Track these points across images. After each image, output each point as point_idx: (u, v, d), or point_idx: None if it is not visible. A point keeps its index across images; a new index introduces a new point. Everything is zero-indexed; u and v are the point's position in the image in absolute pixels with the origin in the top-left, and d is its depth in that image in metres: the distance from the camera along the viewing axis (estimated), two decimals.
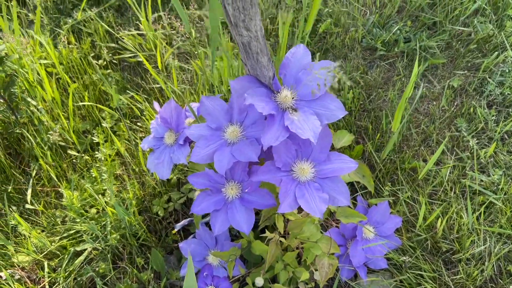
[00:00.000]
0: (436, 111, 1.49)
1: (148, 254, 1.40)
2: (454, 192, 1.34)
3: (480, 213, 1.29)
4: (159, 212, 1.44)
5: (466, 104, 1.48)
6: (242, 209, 0.93)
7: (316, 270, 1.14)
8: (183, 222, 1.46)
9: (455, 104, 1.51)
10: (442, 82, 1.55)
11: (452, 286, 1.21)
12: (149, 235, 1.40)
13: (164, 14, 1.90)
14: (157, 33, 1.83)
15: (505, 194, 1.30)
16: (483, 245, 1.24)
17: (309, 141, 0.91)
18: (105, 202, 1.41)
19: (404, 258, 1.19)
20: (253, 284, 1.22)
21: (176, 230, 1.45)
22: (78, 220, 1.40)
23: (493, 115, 1.45)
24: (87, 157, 1.58)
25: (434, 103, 1.52)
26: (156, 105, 1.20)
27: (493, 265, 1.23)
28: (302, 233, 1.02)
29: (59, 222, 1.45)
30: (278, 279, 1.21)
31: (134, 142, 1.53)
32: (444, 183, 1.35)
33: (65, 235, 1.41)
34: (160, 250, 1.40)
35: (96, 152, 1.54)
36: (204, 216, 1.43)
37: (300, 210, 1.18)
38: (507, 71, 1.49)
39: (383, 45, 1.64)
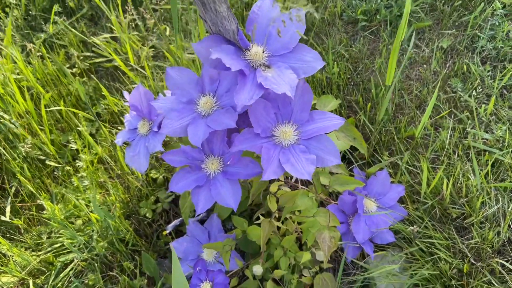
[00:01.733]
0: (428, 75, 1.41)
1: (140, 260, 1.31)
2: (457, 155, 1.25)
3: (488, 172, 1.19)
4: (147, 214, 1.35)
5: (459, 63, 1.40)
6: (226, 183, 0.84)
7: (319, 249, 1.05)
8: (175, 222, 1.37)
9: (447, 65, 1.43)
10: (430, 45, 1.48)
11: (468, 252, 1.11)
12: (138, 239, 1.31)
13: (138, 16, 1.84)
14: (130, 34, 1.76)
15: (511, 148, 1.21)
16: (496, 205, 1.14)
17: (289, 101, 0.84)
18: (90, 210, 1.32)
19: (412, 227, 1.09)
20: (253, 275, 1.12)
21: (167, 231, 1.36)
22: (62, 231, 1.31)
23: (488, 71, 1.36)
24: (68, 168, 1.49)
25: (425, 66, 1.43)
26: (126, 94, 1.12)
27: (510, 225, 1.13)
28: (296, 207, 0.93)
29: (43, 238, 1.36)
30: (279, 267, 1.11)
31: (115, 146, 1.44)
32: (446, 146, 1.26)
33: (49, 249, 1.32)
34: (152, 254, 1.30)
35: (77, 161, 1.46)
36: (195, 215, 1.35)
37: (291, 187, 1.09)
38: (497, 24, 1.42)
39: (364, 15, 1.56)
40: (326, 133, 0.81)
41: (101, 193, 1.41)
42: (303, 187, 1.15)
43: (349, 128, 0.92)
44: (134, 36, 1.81)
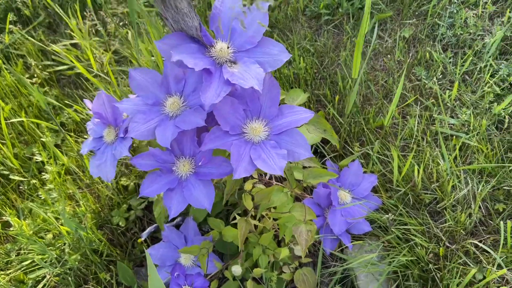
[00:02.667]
0: (392, 65, 1.43)
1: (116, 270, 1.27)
2: (426, 141, 1.27)
3: (456, 156, 1.22)
4: (120, 223, 1.32)
5: (421, 51, 1.42)
6: (199, 184, 0.83)
7: (295, 245, 1.04)
8: (149, 229, 1.34)
9: (410, 54, 1.45)
10: (393, 35, 1.50)
11: (442, 236, 1.13)
12: (113, 249, 1.27)
13: (98, 21, 1.80)
14: (91, 40, 1.72)
15: (477, 133, 1.24)
16: (466, 188, 1.16)
17: (257, 96, 0.83)
18: (60, 223, 1.27)
19: (387, 216, 1.10)
20: (233, 276, 1.11)
21: (142, 239, 1.32)
22: (32, 247, 1.26)
23: (450, 58, 1.39)
24: (34, 181, 1.44)
25: (389, 56, 1.45)
26: (87, 102, 1.09)
27: (480, 206, 1.16)
28: (272, 203, 0.92)
29: (12, 255, 1.30)
30: (259, 265, 1.10)
31: (82, 156, 1.40)
32: (414, 134, 1.28)
33: (19, 267, 1.26)
34: (128, 263, 1.27)
35: (44, 174, 1.41)
36: (172, 220, 1.32)
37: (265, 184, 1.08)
38: (455, 11, 1.45)
39: (327, 9, 1.57)
40: (296, 127, 0.81)
41: (70, 204, 1.36)
42: (278, 183, 1.14)
43: (319, 121, 0.91)
44: (96, 41, 1.76)
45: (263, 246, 1.11)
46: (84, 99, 1.07)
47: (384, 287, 1.13)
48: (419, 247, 1.10)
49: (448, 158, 1.16)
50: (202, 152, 0.83)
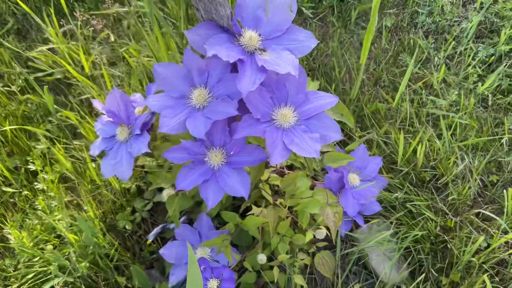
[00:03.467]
0: (379, 53, 1.49)
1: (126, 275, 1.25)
2: (420, 123, 1.34)
3: (451, 134, 1.29)
4: (126, 226, 1.29)
5: (405, 39, 1.50)
6: (233, 173, 0.83)
7: (318, 228, 1.07)
8: (156, 230, 1.32)
9: (394, 42, 1.52)
10: (376, 25, 1.56)
11: (446, 209, 1.19)
12: (123, 253, 1.24)
13: (79, 23, 1.74)
14: (70, 44, 1.66)
15: (465, 111, 1.32)
16: (462, 163, 1.24)
17: (283, 84, 0.85)
18: (70, 228, 1.23)
19: (396, 194, 1.15)
20: (252, 267, 1.12)
21: (150, 240, 1.30)
22: (35, 259, 1.21)
23: (431, 43, 1.47)
24: (26, 192, 1.38)
25: (375, 45, 1.51)
26: (96, 102, 1.06)
27: (477, 179, 1.23)
28: (298, 189, 0.94)
29: (10, 271, 1.24)
30: (276, 255, 1.12)
31: (79, 160, 1.36)
32: (408, 116, 1.34)
33: (23, 281, 1.21)
34: (140, 266, 1.25)
35: (36, 183, 1.35)
36: (180, 216, 1.31)
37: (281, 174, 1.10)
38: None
39: (311, 3, 1.61)
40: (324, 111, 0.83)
41: (70, 215, 1.32)
42: (290, 171, 1.16)
43: (337, 105, 0.94)
44: (74, 45, 1.71)
45: (280, 233, 1.12)
46: (92, 100, 1.05)
47: (397, 264, 1.18)
48: (428, 222, 1.16)
49: (447, 135, 1.22)
50: (233, 141, 0.83)
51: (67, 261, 1.13)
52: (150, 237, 1.31)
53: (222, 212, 1.15)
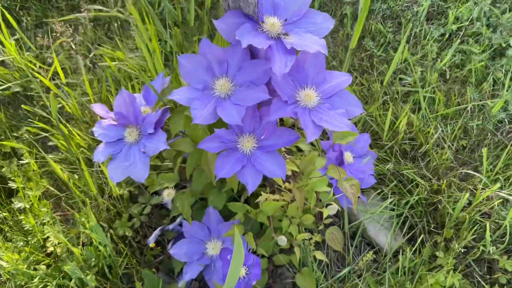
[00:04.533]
0: (344, 39, 1.58)
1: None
2: (391, 100, 1.45)
3: (425, 107, 1.41)
4: (126, 233, 1.25)
5: (365, 24, 1.60)
6: (266, 157, 0.86)
7: (329, 204, 1.12)
8: (155, 233, 1.30)
9: (354, 28, 1.62)
10: (337, 13, 1.65)
11: (430, 175, 1.31)
12: (131, 259, 1.21)
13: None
14: (26, 55, 1.56)
15: (431, 86, 1.45)
16: (436, 133, 1.36)
17: (302, 66, 0.89)
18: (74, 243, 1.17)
19: (388, 166, 1.24)
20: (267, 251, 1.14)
21: (150, 244, 1.28)
22: (34, 280, 1.13)
23: (389, 27, 1.60)
24: (4, 214, 1.28)
25: (341, 33, 1.61)
26: (97, 107, 1.03)
27: (450, 146, 1.36)
28: (316, 168, 0.98)
29: None
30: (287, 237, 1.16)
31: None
32: (380, 95, 1.44)
33: None
34: (149, 270, 1.22)
35: (16, 202, 1.26)
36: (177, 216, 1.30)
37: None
38: None
39: None
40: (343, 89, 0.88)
41: (62, 226, 1.25)
42: (289, 156, 1.21)
43: None
44: (28, 55, 1.61)
45: (289, 216, 1.16)
46: (92, 105, 1.01)
47: (391, 230, 1.27)
48: (418, 188, 1.26)
49: (424, 108, 1.34)
50: (263, 126, 0.86)
51: (81, 273, 1.08)
52: (151, 240, 1.28)
53: (229, 204, 1.16)
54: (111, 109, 1.01)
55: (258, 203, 1.16)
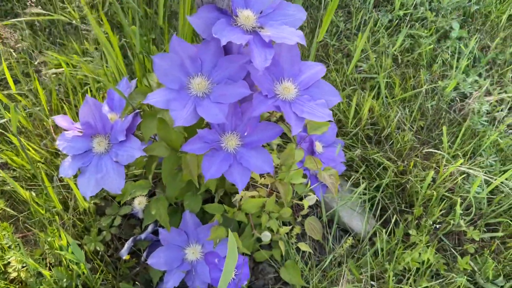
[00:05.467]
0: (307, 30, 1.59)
1: None
2: (350, 85, 1.48)
3: (378, 92, 1.45)
4: (97, 248, 1.18)
5: (316, 15, 1.62)
6: (253, 153, 0.84)
7: (302, 199, 1.13)
8: (128, 244, 1.23)
9: (307, 19, 1.63)
10: None
11: (395, 157, 1.35)
12: (106, 273, 1.14)
13: None
14: None
15: (387, 71, 1.50)
16: (396, 116, 1.41)
17: (277, 60, 0.87)
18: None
19: (356, 152, 1.26)
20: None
21: (124, 257, 1.22)
22: None
23: (340, 16, 1.62)
24: None
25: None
26: (59, 119, 0.96)
27: (410, 128, 1.42)
28: (296, 160, 0.98)
29: None
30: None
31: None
32: (339, 83, 1.47)
33: None
34: (127, 284, 1.16)
35: None
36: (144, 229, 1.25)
37: None
38: None
39: None
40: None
41: (26, 249, 1.16)
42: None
43: None
44: None
45: (267, 211, 1.16)
46: (54, 117, 0.94)
47: (366, 215, 1.30)
48: (386, 170, 1.30)
49: (384, 93, 1.38)
50: (245, 122, 0.84)
51: None
52: (124, 253, 1.22)
53: (205, 206, 1.13)
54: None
55: (234, 202, 1.15)
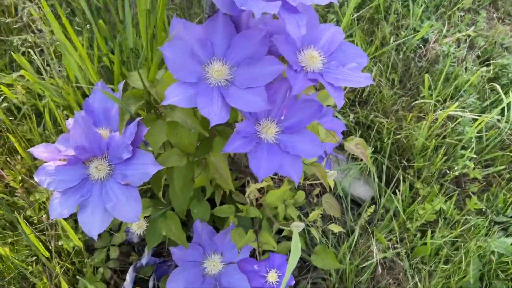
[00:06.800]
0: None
1: None
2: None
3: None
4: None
5: None
6: (296, 138, 0.72)
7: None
8: (129, 275, 1.07)
9: None
10: None
11: (381, 114, 1.31)
12: None
13: None
14: None
15: (350, 30, 1.44)
16: (371, 73, 1.36)
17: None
18: None
19: (350, 117, 1.20)
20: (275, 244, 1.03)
21: None
22: None
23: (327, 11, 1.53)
24: None
25: None
26: (38, 150, 0.76)
27: (386, 83, 1.39)
28: (321, 138, 0.89)
29: None
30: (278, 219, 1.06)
31: None
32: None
33: None
34: None
35: None
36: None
37: None
38: None
39: None
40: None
41: None
42: None
43: None
44: None
45: (283, 201, 1.06)
46: (31, 149, 0.74)
47: (366, 180, 1.26)
48: (381, 130, 1.26)
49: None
50: (278, 105, 0.72)
51: None
52: (128, 286, 1.06)
53: (215, 210, 1.01)
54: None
55: (246, 198, 1.04)
